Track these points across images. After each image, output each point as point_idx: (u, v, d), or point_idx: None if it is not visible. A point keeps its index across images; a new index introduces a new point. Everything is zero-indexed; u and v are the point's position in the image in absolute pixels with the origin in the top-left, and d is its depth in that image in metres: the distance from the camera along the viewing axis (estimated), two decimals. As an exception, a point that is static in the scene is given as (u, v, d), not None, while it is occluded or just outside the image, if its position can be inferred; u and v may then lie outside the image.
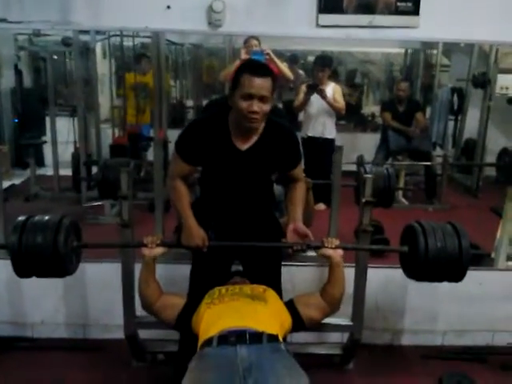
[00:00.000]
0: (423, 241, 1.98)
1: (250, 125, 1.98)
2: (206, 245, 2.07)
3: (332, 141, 4.52)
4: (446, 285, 2.75)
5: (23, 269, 1.96)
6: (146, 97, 5.13)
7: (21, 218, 1.98)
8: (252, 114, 1.94)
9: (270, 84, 1.94)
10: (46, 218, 1.99)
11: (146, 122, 5.20)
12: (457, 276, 2.04)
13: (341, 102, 4.50)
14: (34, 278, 2.67)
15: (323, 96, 4.37)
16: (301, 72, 6.35)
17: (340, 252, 2.07)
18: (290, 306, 2.05)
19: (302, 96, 4.50)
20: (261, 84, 1.91)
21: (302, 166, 2.23)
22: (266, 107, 1.95)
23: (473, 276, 2.76)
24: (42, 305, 2.82)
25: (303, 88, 4.52)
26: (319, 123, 4.57)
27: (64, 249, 1.93)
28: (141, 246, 2.09)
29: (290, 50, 6.52)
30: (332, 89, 4.50)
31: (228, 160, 2.08)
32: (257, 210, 2.22)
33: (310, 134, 4.60)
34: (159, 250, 2.08)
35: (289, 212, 2.20)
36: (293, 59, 6.41)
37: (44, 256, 1.90)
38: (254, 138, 2.07)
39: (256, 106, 1.92)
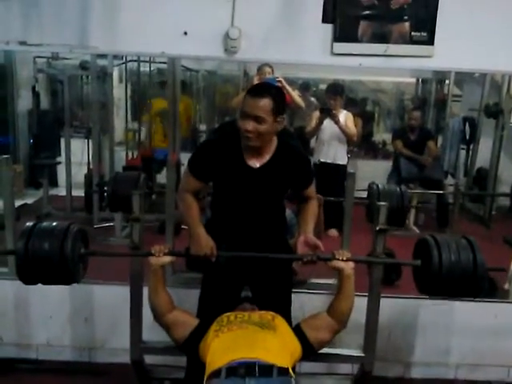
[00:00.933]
0: (437, 254, 1.93)
1: (246, 143, 2.01)
2: (215, 254, 2.05)
3: (344, 166, 4.52)
4: (459, 317, 2.73)
5: (29, 275, 1.92)
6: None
7: (28, 224, 1.95)
8: (246, 133, 1.96)
9: (267, 104, 1.94)
10: (54, 224, 1.96)
11: None
12: (472, 291, 1.97)
13: (352, 129, 4.52)
14: (40, 298, 2.72)
15: (336, 121, 4.38)
16: (312, 99, 6.40)
17: (351, 264, 2.03)
18: (298, 331, 2.00)
19: (314, 122, 4.52)
20: (255, 104, 1.93)
21: (313, 185, 2.23)
22: (262, 127, 1.95)
23: (487, 308, 2.74)
24: (48, 326, 2.79)
25: (316, 114, 4.55)
26: (331, 149, 4.58)
27: (71, 255, 1.90)
28: (148, 256, 2.06)
29: (303, 78, 6.58)
30: (344, 116, 4.52)
31: (241, 178, 2.09)
32: (268, 231, 2.21)
33: (322, 160, 4.60)
34: (167, 259, 2.05)
35: (300, 227, 2.19)
36: (304, 87, 6.46)
37: (50, 262, 1.87)
38: (267, 157, 2.08)
39: (250, 125, 1.94)
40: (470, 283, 1.93)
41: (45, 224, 1.96)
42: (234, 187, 2.13)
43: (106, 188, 3.98)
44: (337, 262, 2.03)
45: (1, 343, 2.79)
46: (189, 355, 2.12)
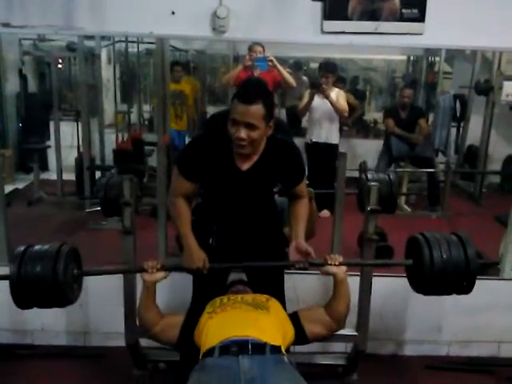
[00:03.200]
0: (428, 253, 1.94)
1: (238, 150, 1.96)
2: (207, 267, 2.03)
3: (336, 146, 4.53)
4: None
5: (24, 300, 1.92)
6: (181, 104, 5.16)
7: (20, 248, 1.93)
8: (238, 141, 1.91)
9: (259, 110, 1.87)
10: (45, 247, 1.94)
11: (183, 129, 5.25)
12: (465, 288, 2.00)
13: (343, 105, 4.52)
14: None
15: (326, 95, 4.38)
16: (304, 78, 6.37)
17: (343, 268, 2.02)
18: (295, 319, 2.02)
19: (306, 100, 4.51)
20: (247, 111, 1.86)
21: (305, 182, 2.20)
22: (254, 134, 1.90)
23: (479, 285, 2.73)
24: (43, 311, 2.72)
25: (307, 93, 4.54)
26: (323, 128, 4.59)
27: (63, 278, 1.87)
28: (141, 272, 2.05)
29: (294, 57, 6.53)
30: (335, 94, 4.52)
31: (229, 180, 2.06)
32: (259, 219, 2.20)
33: (314, 140, 4.61)
34: (160, 275, 2.04)
35: (292, 229, 2.16)
36: (296, 66, 6.41)
37: (44, 287, 1.85)
38: (255, 158, 2.04)
39: (242, 132, 1.88)
40: (463, 280, 1.95)
41: (36, 247, 1.94)
42: (223, 188, 2.10)
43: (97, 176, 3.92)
44: (329, 267, 2.01)
45: (-4, 330, 2.78)
46: (186, 350, 2.11)
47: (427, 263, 1.93)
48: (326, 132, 4.58)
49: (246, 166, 2.04)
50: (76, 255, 2.02)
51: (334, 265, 2.00)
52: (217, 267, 2.08)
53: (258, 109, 1.87)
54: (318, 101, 4.49)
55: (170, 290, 2.47)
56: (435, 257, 1.92)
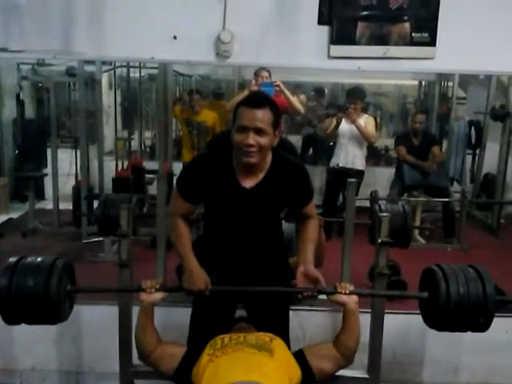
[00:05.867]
0: (444, 286, 1.85)
1: (246, 159, 1.87)
2: (209, 288, 1.93)
3: (362, 172, 4.54)
4: (469, 333, 2.60)
5: (12, 315, 1.82)
6: (199, 134, 4.96)
7: (11, 260, 1.85)
8: (247, 148, 1.83)
9: (267, 115, 1.84)
10: (38, 259, 1.87)
11: None
12: (482, 325, 1.89)
13: (372, 131, 4.51)
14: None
15: (352, 120, 4.36)
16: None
17: (354, 298, 1.92)
18: (300, 357, 1.89)
19: (333, 124, 4.52)
20: (255, 115, 1.82)
21: (313, 202, 2.10)
22: (264, 140, 1.84)
23: (498, 323, 2.58)
24: (33, 349, 2.67)
25: (335, 118, 4.56)
26: (350, 154, 4.57)
27: (56, 294, 1.80)
28: (139, 291, 1.95)
29: (301, 82, 6.52)
30: (364, 120, 4.50)
31: (232, 199, 1.96)
32: (263, 250, 2.09)
33: (341, 164, 4.59)
34: (158, 296, 1.94)
35: (299, 252, 2.06)
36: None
37: (35, 302, 1.77)
38: (260, 176, 1.95)
39: (251, 138, 1.82)
40: (480, 317, 1.86)
41: (29, 259, 1.87)
42: (226, 208, 2.00)
43: (95, 205, 3.83)
44: (339, 295, 1.92)
45: (-18, 369, 2.65)
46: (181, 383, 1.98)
47: (443, 297, 1.84)
48: (353, 157, 4.57)
49: (250, 184, 1.94)
50: (70, 271, 1.95)
51: (345, 293, 1.91)
52: (219, 290, 1.98)
53: (266, 113, 1.83)
54: (345, 126, 4.49)
55: (165, 326, 2.32)
56: (452, 290, 1.83)
